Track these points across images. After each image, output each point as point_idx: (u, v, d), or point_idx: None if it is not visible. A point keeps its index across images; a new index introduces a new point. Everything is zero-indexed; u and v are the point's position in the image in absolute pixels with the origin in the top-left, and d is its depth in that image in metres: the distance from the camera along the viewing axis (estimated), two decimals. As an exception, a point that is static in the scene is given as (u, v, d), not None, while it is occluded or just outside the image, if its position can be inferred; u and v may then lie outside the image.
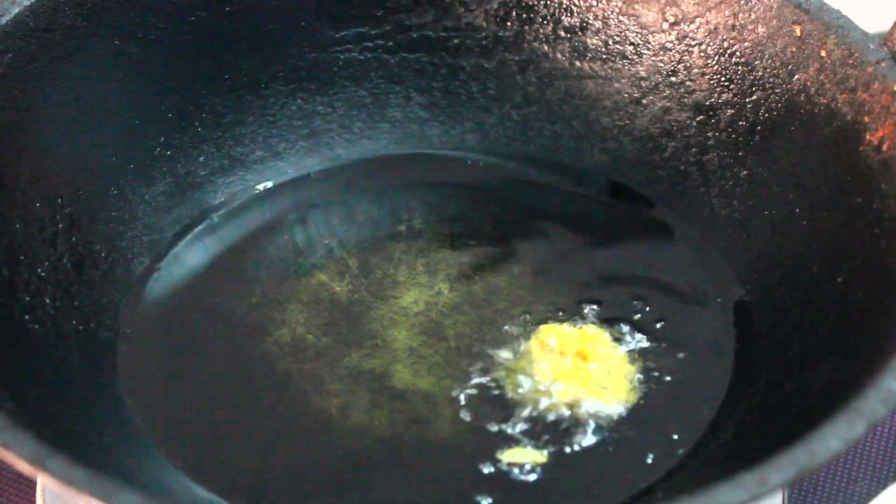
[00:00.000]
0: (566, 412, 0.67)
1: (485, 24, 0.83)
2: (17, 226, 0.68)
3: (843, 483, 0.76)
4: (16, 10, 0.71)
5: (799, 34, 0.73)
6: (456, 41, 0.84)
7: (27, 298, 0.67)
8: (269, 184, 0.82)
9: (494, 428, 0.66)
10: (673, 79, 0.80)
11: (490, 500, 0.63)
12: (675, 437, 0.66)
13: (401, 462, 0.66)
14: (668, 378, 0.69)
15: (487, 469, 0.65)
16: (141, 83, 0.78)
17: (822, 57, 0.71)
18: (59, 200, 0.72)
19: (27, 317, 0.66)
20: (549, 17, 0.82)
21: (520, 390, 0.68)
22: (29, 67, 0.71)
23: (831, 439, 0.51)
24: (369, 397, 0.68)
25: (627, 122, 0.82)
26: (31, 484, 0.74)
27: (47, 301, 0.68)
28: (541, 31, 0.83)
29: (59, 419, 0.60)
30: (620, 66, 0.82)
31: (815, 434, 0.51)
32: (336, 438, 0.66)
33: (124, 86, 0.77)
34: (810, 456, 0.50)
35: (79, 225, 0.73)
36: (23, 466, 0.50)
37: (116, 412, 0.67)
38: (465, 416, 0.67)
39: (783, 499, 0.70)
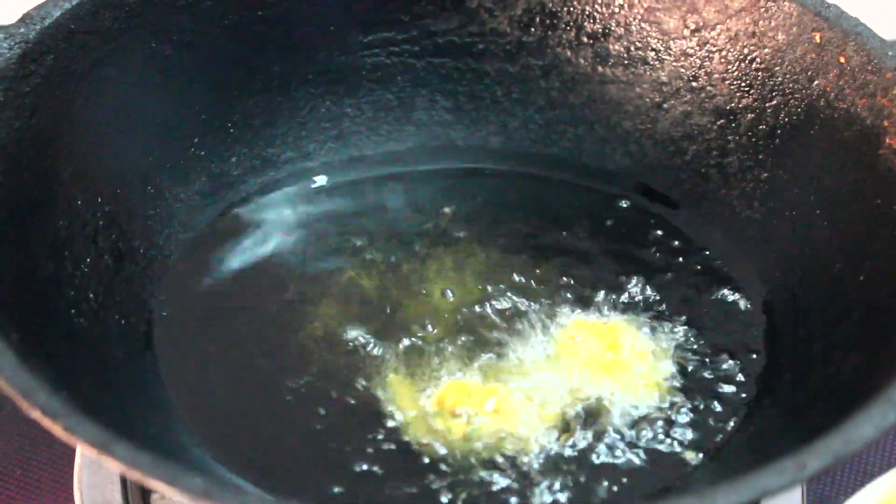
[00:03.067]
0: (596, 405, 0.69)
1: (509, 29, 0.85)
2: (61, 222, 0.70)
3: (858, 477, 0.78)
4: (57, 13, 0.72)
5: (818, 41, 0.75)
6: (480, 46, 0.86)
7: (72, 293, 0.68)
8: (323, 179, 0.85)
9: (530, 422, 0.68)
10: (694, 84, 0.82)
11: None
12: (705, 429, 0.68)
13: (436, 456, 0.67)
14: (694, 373, 0.71)
15: (527, 459, 0.66)
16: (176, 85, 0.79)
17: (841, 63, 0.73)
18: (100, 199, 0.73)
19: (73, 311, 0.67)
20: (572, 24, 0.84)
21: (551, 385, 0.70)
22: (70, 69, 0.73)
23: (865, 426, 0.53)
24: (406, 392, 0.70)
25: (649, 126, 0.84)
26: (66, 478, 0.75)
27: (91, 296, 0.70)
28: (564, 36, 0.85)
29: (109, 411, 0.61)
30: (642, 71, 0.84)
31: (849, 422, 0.53)
32: (374, 432, 0.68)
33: (160, 87, 0.79)
34: (846, 443, 0.52)
35: (118, 222, 0.74)
36: (88, 451, 0.51)
37: (160, 406, 0.69)
38: (503, 408, 0.68)
39: (802, 494, 0.72)
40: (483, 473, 0.65)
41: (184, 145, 0.80)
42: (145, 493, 0.71)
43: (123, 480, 0.71)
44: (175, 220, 0.79)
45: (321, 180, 0.85)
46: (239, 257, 0.79)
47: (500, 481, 0.65)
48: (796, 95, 0.76)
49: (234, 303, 0.76)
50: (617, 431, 0.67)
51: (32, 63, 0.70)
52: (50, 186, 0.70)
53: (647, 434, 0.67)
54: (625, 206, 0.83)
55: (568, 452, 0.67)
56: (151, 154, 0.78)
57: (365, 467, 0.66)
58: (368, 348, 0.72)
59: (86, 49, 0.74)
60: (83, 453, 0.72)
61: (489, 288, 0.76)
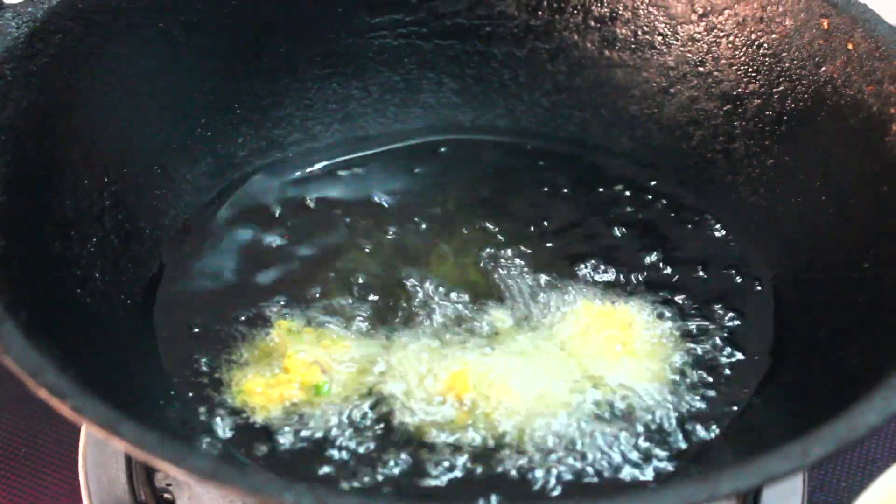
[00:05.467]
0: (603, 390, 0.69)
1: (516, 12, 0.86)
2: (68, 202, 0.70)
3: (860, 463, 0.78)
4: (65, -8, 0.72)
5: (826, 27, 0.75)
6: (488, 29, 0.86)
7: (78, 272, 0.68)
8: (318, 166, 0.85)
9: (535, 407, 0.68)
10: (701, 69, 0.82)
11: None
12: (709, 414, 0.68)
13: (441, 444, 0.67)
14: (699, 358, 0.71)
15: (532, 443, 0.66)
16: (183, 65, 0.80)
17: (849, 50, 0.73)
18: (107, 179, 0.74)
19: (79, 290, 0.68)
20: (579, 7, 0.84)
21: (558, 369, 0.70)
22: (77, 48, 0.73)
23: (869, 414, 0.53)
24: (411, 381, 0.69)
25: (655, 110, 0.84)
26: (71, 456, 0.75)
27: (97, 276, 0.70)
28: (571, 20, 0.85)
29: (115, 391, 0.61)
30: (649, 55, 0.84)
31: (853, 409, 0.53)
32: (378, 420, 0.68)
33: (167, 67, 0.79)
34: (850, 429, 0.52)
35: (125, 202, 0.74)
36: (95, 431, 0.51)
37: (164, 386, 0.69)
38: (508, 394, 0.68)
39: (803, 479, 0.72)
40: (489, 459, 0.65)
41: (191, 126, 0.80)
42: (149, 472, 0.71)
43: (128, 459, 0.72)
44: (181, 201, 0.79)
45: (327, 163, 0.85)
46: (244, 239, 0.79)
47: (505, 466, 0.65)
48: (803, 81, 0.76)
49: (239, 284, 0.76)
50: (623, 416, 0.67)
51: (40, 42, 0.70)
52: (57, 166, 0.70)
53: (651, 417, 0.67)
54: (633, 188, 0.83)
55: (576, 436, 0.66)
56: (158, 134, 0.78)
57: (370, 458, 0.66)
58: (372, 331, 0.72)
59: (93, 29, 0.74)
60: (88, 432, 0.73)
61: (495, 270, 0.76)
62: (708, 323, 0.73)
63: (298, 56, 0.84)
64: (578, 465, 0.65)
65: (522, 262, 0.77)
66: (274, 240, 0.79)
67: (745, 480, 0.50)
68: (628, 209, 0.82)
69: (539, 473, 0.64)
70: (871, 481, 0.73)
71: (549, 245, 0.79)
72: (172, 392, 0.69)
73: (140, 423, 0.52)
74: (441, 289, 0.75)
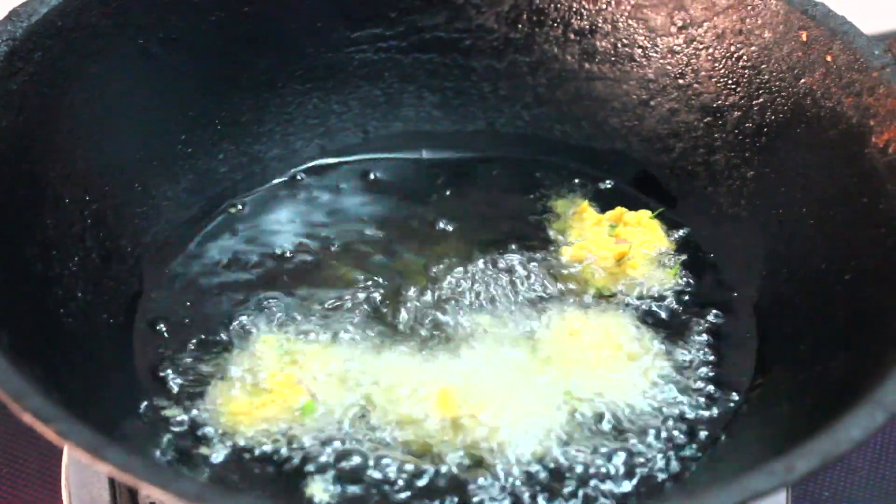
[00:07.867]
0: (585, 407, 0.69)
1: (496, 26, 0.86)
2: (49, 222, 0.70)
3: (842, 473, 0.78)
4: (44, 10, 0.72)
5: (805, 39, 0.75)
6: (468, 42, 0.86)
7: (60, 292, 0.68)
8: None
9: (520, 424, 0.68)
10: (681, 81, 0.82)
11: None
12: (693, 428, 0.68)
13: (428, 463, 0.67)
14: (681, 372, 0.71)
15: (514, 461, 0.66)
16: (163, 82, 0.79)
17: (827, 62, 0.74)
18: (87, 197, 0.73)
19: (62, 310, 0.68)
20: (559, 20, 0.85)
21: (541, 385, 0.70)
22: (57, 66, 0.73)
23: (853, 429, 0.53)
24: (398, 398, 0.69)
25: (636, 122, 0.84)
26: (54, 476, 0.75)
27: (79, 295, 0.70)
28: (551, 33, 0.85)
29: (99, 413, 0.61)
30: (629, 68, 0.84)
31: (837, 424, 0.53)
32: (366, 434, 0.68)
33: (147, 84, 0.79)
34: (834, 444, 0.52)
35: (105, 221, 0.74)
36: (81, 455, 0.51)
37: (148, 406, 0.69)
38: (493, 412, 0.69)
39: (787, 488, 0.72)
40: (474, 478, 0.65)
41: (171, 142, 0.80)
42: (133, 490, 0.71)
43: (112, 478, 0.71)
44: (162, 218, 0.79)
45: (308, 179, 0.85)
46: (226, 255, 0.79)
47: (488, 482, 0.65)
48: (783, 93, 0.76)
49: (222, 301, 0.76)
50: (607, 429, 0.67)
51: (19, 60, 0.70)
52: (37, 185, 0.70)
53: (635, 435, 0.67)
54: (612, 203, 0.83)
55: (562, 451, 0.67)
56: (139, 151, 0.78)
57: (356, 476, 0.66)
58: (357, 345, 0.72)
59: (73, 46, 0.74)
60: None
61: (479, 282, 0.76)
62: (689, 335, 0.73)
63: (278, 71, 0.84)
64: (563, 481, 0.65)
65: (507, 275, 0.77)
66: (255, 255, 0.79)
67: (729, 498, 0.50)
68: (610, 222, 0.82)
69: (523, 489, 0.64)
70: (853, 491, 0.74)
71: (532, 258, 0.78)
72: (156, 413, 0.69)
73: (125, 446, 0.52)
74: (425, 302, 0.75)
